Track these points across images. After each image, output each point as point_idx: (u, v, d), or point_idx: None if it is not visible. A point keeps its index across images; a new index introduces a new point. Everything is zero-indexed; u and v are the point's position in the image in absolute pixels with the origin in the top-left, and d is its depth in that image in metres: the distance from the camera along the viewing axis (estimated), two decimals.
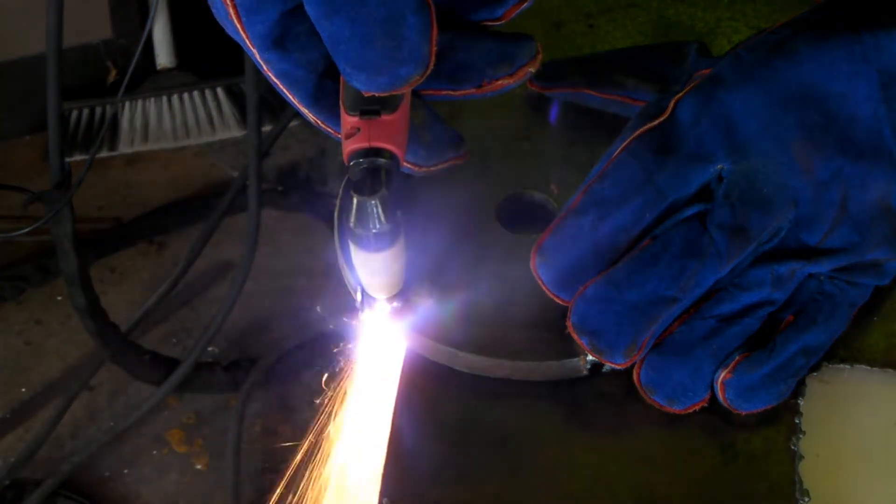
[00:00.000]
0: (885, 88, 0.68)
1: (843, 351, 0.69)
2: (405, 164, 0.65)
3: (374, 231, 0.60)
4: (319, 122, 0.64)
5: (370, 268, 0.63)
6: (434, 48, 0.57)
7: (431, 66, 0.58)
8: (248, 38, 0.60)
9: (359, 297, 0.67)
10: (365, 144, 0.59)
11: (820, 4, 0.73)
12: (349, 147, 0.60)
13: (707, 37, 0.90)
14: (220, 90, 1.85)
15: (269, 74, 0.63)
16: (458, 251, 0.73)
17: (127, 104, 1.82)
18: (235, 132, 1.85)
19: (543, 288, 0.68)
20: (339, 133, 0.63)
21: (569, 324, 0.66)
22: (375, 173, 0.59)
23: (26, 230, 1.14)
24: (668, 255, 0.66)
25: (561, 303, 0.67)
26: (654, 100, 0.72)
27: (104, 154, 1.81)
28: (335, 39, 0.56)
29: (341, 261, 0.71)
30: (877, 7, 0.70)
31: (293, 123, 1.74)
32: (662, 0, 0.93)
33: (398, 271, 0.64)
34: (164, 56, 1.85)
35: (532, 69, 0.66)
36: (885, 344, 0.70)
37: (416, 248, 0.67)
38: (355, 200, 0.59)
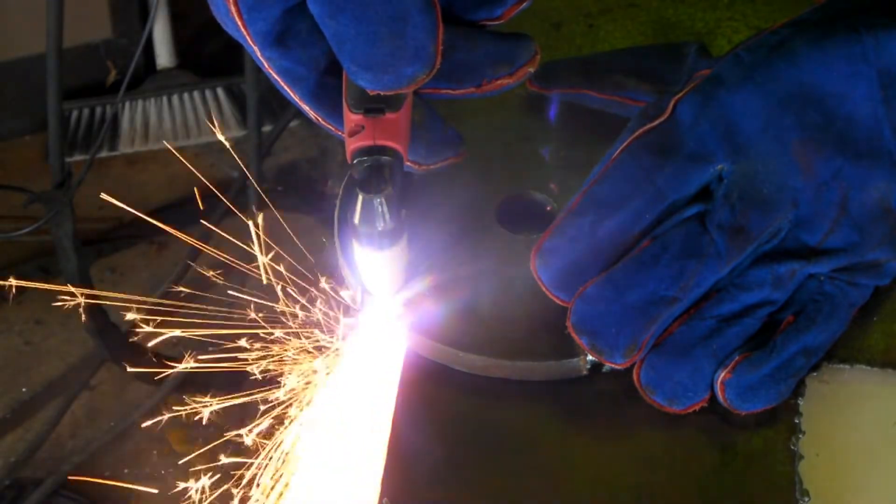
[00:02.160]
0: (885, 89, 0.68)
1: (843, 351, 0.69)
2: (405, 162, 0.65)
3: (378, 229, 0.60)
4: (321, 119, 0.64)
5: (373, 266, 0.64)
6: (440, 47, 0.57)
7: (438, 65, 0.58)
8: (249, 35, 0.60)
9: (359, 296, 0.67)
10: (369, 142, 0.59)
11: (820, 5, 0.73)
12: (353, 145, 0.60)
13: (707, 37, 0.90)
14: (220, 90, 1.86)
15: (271, 72, 0.62)
16: (458, 251, 0.73)
17: (127, 104, 1.83)
18: (236, 132, 1.85)
19: (543, 289, 0.68)
20: (340, 130, 0.63)
21: (569, 324, 0.66)
22: (380, 171, 0.59)
23: (27, 230, 1.14)
24: (667, 256, 0.66)
25: (561, 303, 0.67)
26: (654, 100, 0.72)
27: (104, 154, 1.81)
28: (340, 38, 0.56)
29: (341, 260, 0.71)
30: (876, 8, 0.70)
31: (293, 124, 1.74)
32: (662, 0, 0.93)
33: (401, 269, 0.65)
34: (164, 56, 1.85)
35: (531, 69, 0.66)
36: (885, 344, 0.70)
37: (416, 248, 0.67)
38: (360, 198, 0.59)
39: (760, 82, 0.69)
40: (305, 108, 0.64)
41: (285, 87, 0.63)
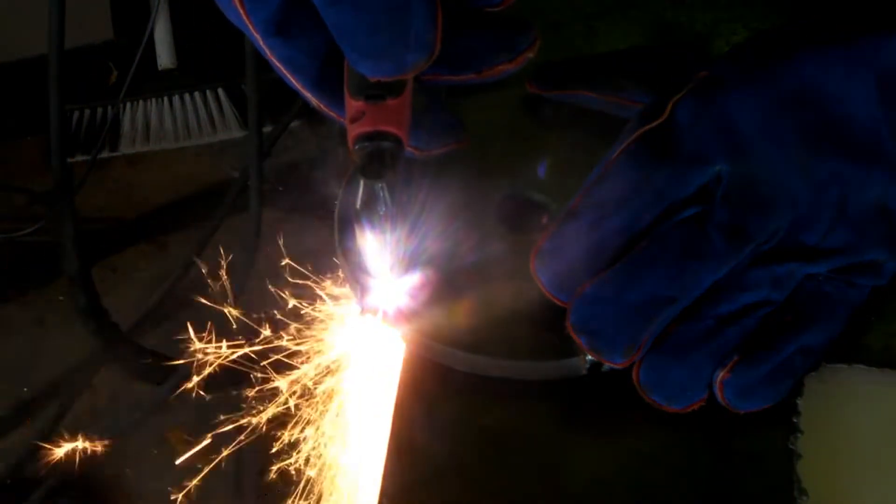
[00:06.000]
0: (883, 90, 0.68)
1: (841, 350, 0.69)
2: (407, 147, 0.65)
3: (380, 213, 0.60)
4: (322, 106, 0.65)
5: (375, 251, 0.64)
6: (440, 34, 0.58)
7: (437, 52, 0.58)
8: (251, 24, 0.61)
9: (359, 292, 0.67)
10: (370, 128, 0.60)
11: (818, 7, 0.73)
12: (354, 131, 0.60)
13: (705, 38, 0.90)
14: (221, 91, 1.86)
15: (273, 60, 0.63)
16: (457, 251, 0.73)
17: (128, 105, 1.83)
18: (236, 133, 1.85)
19: (543, 290, 0.68)
20: (341, 117, 0.63)
21: (568, 324, 0.66)
22: (381, 157, 0.60)
23: (28, 231, 1.14)
24: (666, 256, 0.67)
25: (560, 304, 0.68)
26: (653, 101, 0.72)
27: (106, 155, 1.81)
28: (340, 26, 0.57)
29: (341, 256, 0.71)
30: (874, 9, 0.70)
31: (294, 124, 1.74)
32: (661, 1, 0.93)
33: (403, 255, 0.65)
34: (165, 57, 1.85)
35: (531, 55, 0.66)
36: (883, 343, 0.70)
37: (416, 248, 0.67)
38: (362, 183, 0.59)
39: (759, 83, 0.69)
40: (307, 95, 0.65)
41: (287, 75, 0.64)
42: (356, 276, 0.68)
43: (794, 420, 0.66)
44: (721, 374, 0.66)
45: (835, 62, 0.68)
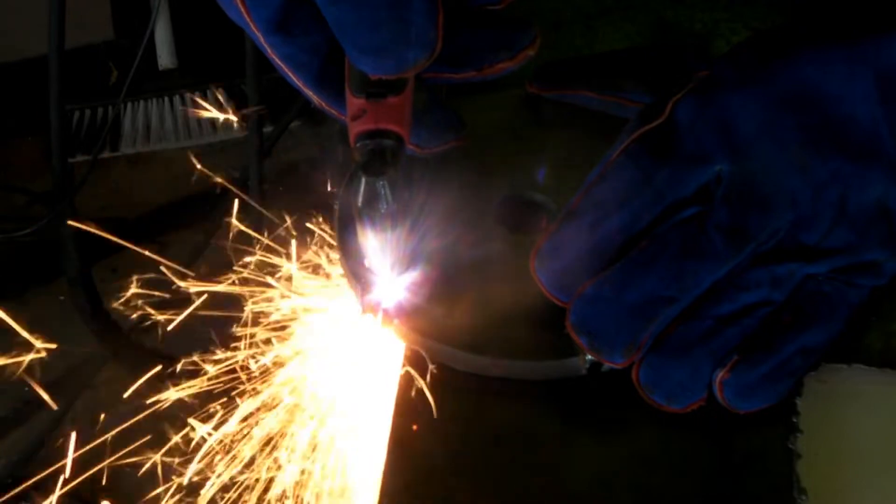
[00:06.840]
0: (883, 90, 0.68)
1: (841, 350, 0.69)
2: (408, 145, 0.65)
3: (381, 211, 0.60)
4: (324, 104, 0.65)
5: (376, 249, 0.64)
6: (441, 31, 0.58)
7: (439, 50, 0.58)
8: (252, 21, 0.61)
9: (359, 290, 0.67)
10: (371, 126, 0.60)
11: (818, 6, 0.73)
12: (356, 129, 0.61)
13: (705, 38, 0.90)
14: (221, 91, 1.86)
15: (274, 58, 0.63)
16: (457, 251, 0.73)
17: (129, 105, 1.83)
18: (236, 133, 1.86)
19: (543, 290, 0.68)
20: (343, 114, 0.63)
21: (568, 323, 0.66)
22: (382, 154, 0.60)
23: (28, 231, 1.14)
24: (666, 256, 0.67)
25: (560, 304, 0.68)
26: (652, 101, 0.72)
27: (106, 154, 1.81)
28: (341, 24, 0.57)
29: (341, 253, 0.72)
30: (874, 9, 0.70)
31: (294, 124, 1.74)
32: (661, 1, 0.93)
33: (403, 253, 0.65)
34: (165, 57, 1.85)
35: (531, 53, 0.67)
36: (883, 344, 0.70)
37: (416, 246, 0.67)
38: (364, 181, 0.60)
39: (758, 83, 0.69)
40: (309, 93, 0.65)
41: (289, 73, 0.64)
42: (357, 273, 0.68)
43: (794, 420, 0.66)
44: (721, 374, 0.66)
45: (835, 62, 0.68)
